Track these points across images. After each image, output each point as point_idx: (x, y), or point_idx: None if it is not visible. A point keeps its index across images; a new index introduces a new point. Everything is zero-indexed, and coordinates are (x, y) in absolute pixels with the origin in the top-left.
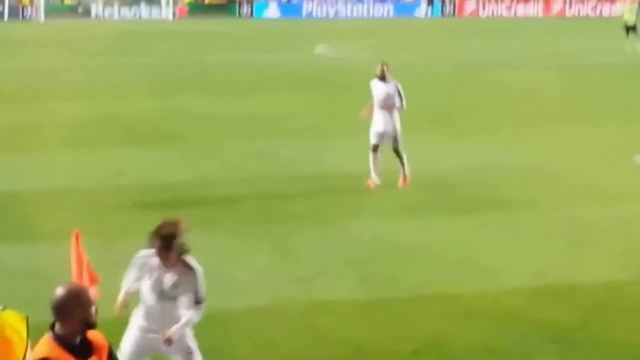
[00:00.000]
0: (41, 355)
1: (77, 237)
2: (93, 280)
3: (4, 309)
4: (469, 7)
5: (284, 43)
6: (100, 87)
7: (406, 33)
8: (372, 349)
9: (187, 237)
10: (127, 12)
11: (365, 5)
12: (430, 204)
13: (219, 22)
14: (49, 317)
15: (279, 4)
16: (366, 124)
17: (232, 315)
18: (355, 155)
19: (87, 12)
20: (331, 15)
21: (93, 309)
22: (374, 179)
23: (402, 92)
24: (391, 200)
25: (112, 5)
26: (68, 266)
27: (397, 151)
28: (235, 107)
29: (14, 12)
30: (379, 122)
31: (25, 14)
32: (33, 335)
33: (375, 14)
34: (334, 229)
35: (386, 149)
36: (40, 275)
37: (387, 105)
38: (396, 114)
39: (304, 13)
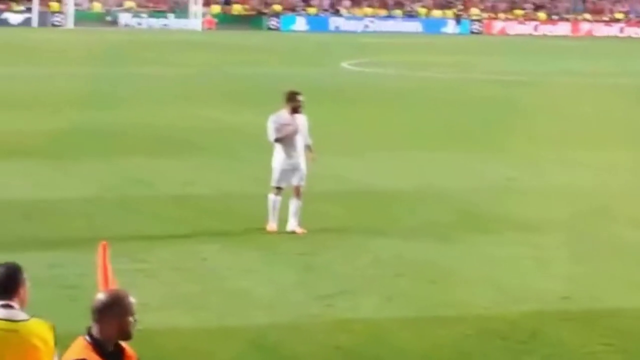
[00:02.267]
0: (77, 357)
1: (104, 248)
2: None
3: (31, 317)
4: (497, 25)
5: (311, 57)
6: (126, 96)
7: (434, 50)
8: None
9: (213, 249)
10: (155, 22)
11: (393, 21)
12: (453, 223)
13: (246, 35)
14: (75, 326)
15: (307, 17)
16: (389, 141)
17: (255, 331)
18: (379, 171)
19: (115, 21)
20: (359, 30)
21: (131, 318)
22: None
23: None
24: (414, 219)
25: (140, 15)
26: (94, 276)
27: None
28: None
29: (43, 20)
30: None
31: (54, 21)
32: (60, 344)
33: (403, 30)
34: (356, 246)
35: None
36: (64, 284)
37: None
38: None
39: (331, 27)
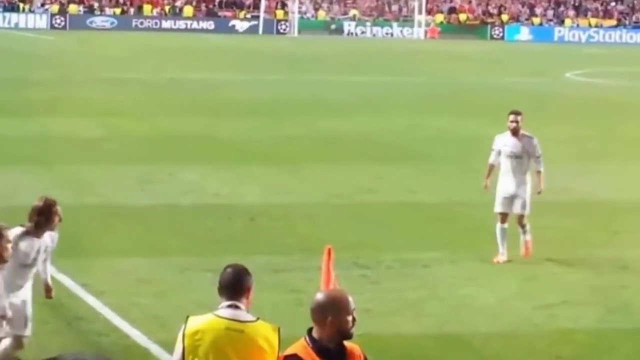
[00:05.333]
0: (290, 352)
1: (329, 252)
2: None
3: (258, 319)
4: None
5: (534, 67)
6: (354, 104)
7: None
8: None
9: (436, 257)
10: (379, 31)
11: (621, 32)
12: None
13: (470, 44)
14: (300, 329)
15: (530, 27)
16: (617, 153)
17: (478, 339)
18: (606, 183)
19: (339, 29)
20: (583, 40)
21: (349, 317)
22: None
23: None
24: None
25: (364, 24)
26: (319, 280)
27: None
28: (485, 129)
29: (268, 27)
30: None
31: (279, 29)
32: (284, 347)
33: (631, 41)
34: (580, 257)
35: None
36: (290, 288)
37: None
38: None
39: (555, 37)
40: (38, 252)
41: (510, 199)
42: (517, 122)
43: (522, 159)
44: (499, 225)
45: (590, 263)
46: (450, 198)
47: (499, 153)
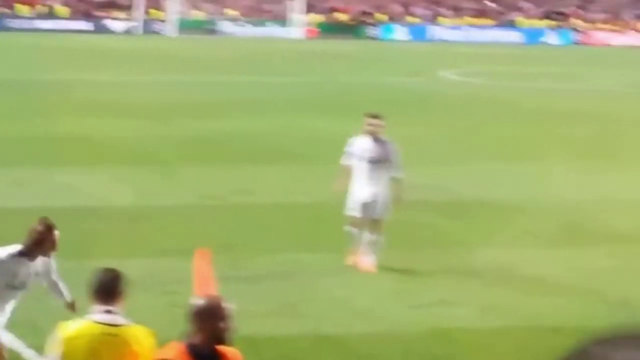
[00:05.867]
0: (163, 356)
1: (203, 255)
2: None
3: (132, 323)
4: (600, 35)
5: (410, 66)
6: (228, 105)
7: (534, 60)
8: None
9: (312, 258)
10: (258, 31)
11: (493, 31)
12: (553, 235)
13: (349, 43)
14: (174, 331)
15: (407, 26)
16: (490, 152)
17: (353, 339)
18: (480, 182)
19: (217, 30)
20: (459, 39)
21: (226, 323)
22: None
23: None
24: (514, 229)
25: (243, 24)
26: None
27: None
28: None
29: (146, 28)
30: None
31: (157, 29)
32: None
33: (502, 40)
34: (455, 256)
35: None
36: (164, 289)
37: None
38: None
39: (431, 36)
40: (28, 275)
41: (366, 205)
42: (375, 125)
43: (381, 163)
44: (352, 229)
45: (465, 262)
46: (326, 199)
47: (355, 156)
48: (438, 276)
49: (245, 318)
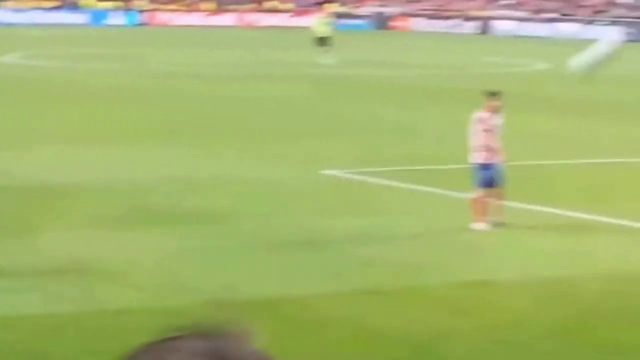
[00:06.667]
0: None
1: None
2: None
3: None
4: (162, 16)
5: None
6: None
7: (98, 42)
8: None
9: None
10: None
11: (57, 13)
12: (120, 216)
13: None
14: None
15: None
16: (57, 135)
17: None
18: (46, 166)
19: None
20: (22, 21)
21: None
22: None
23: None
24: (80, 212)
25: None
26: None
27: None
28: None
29: None
30: None
31: None
32: None
33: (67, 22)
34: (16, 242)
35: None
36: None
37: None
38: None
39: None
40: None
41: None
42: None
43: None
44: None
45: (31, 249)
46: None
47: None
48: (5, 264)
49: None
